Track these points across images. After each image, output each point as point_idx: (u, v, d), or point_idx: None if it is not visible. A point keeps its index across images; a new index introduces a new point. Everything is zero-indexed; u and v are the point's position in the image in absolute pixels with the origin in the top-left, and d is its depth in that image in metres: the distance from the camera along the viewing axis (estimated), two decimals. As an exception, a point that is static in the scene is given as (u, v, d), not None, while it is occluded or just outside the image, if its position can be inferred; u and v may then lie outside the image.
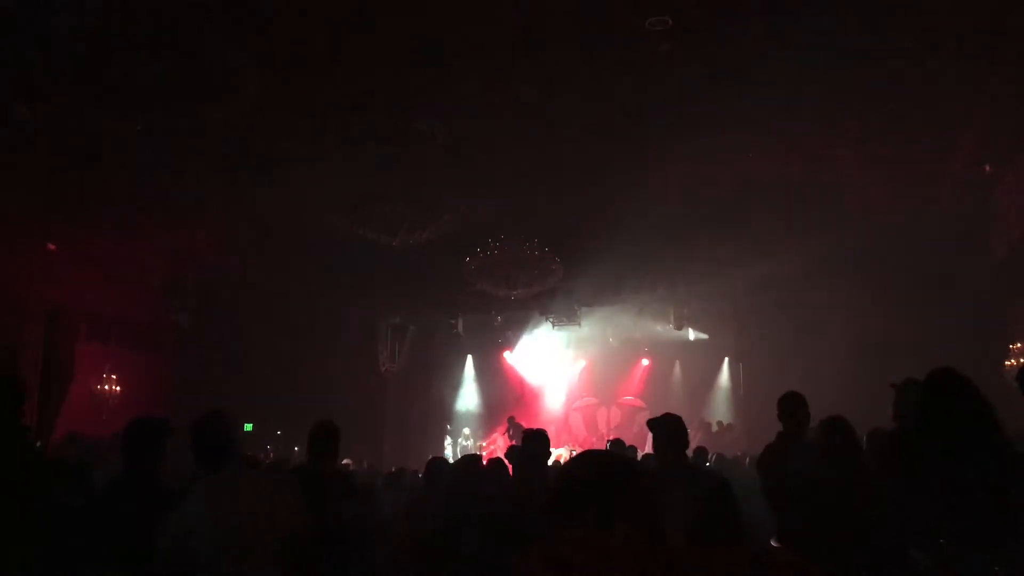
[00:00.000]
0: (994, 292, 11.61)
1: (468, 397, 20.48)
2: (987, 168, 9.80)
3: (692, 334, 19.15)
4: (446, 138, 9.21)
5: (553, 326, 17.81)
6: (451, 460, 6.66)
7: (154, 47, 7.07)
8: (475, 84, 8.23)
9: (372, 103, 8.59)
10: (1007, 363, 11.14)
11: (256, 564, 3.08)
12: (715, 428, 17.15)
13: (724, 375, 18.76)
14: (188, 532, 3.07)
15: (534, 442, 5.01)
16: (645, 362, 20.04)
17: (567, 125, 9.05)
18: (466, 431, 19.08)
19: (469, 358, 20.60)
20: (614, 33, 7.32)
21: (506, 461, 5.91)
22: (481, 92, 8.37)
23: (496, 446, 17.37)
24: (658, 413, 4.38)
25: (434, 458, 6.02)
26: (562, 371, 20.82)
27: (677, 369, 19.83)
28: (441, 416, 19.45)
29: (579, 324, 17.33)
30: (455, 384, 20.23)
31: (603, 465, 1.88)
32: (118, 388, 15.55)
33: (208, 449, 3.36)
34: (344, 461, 13.11)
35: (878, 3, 6.88)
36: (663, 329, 18.36)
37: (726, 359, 18.65)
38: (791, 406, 4.70)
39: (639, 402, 20.08)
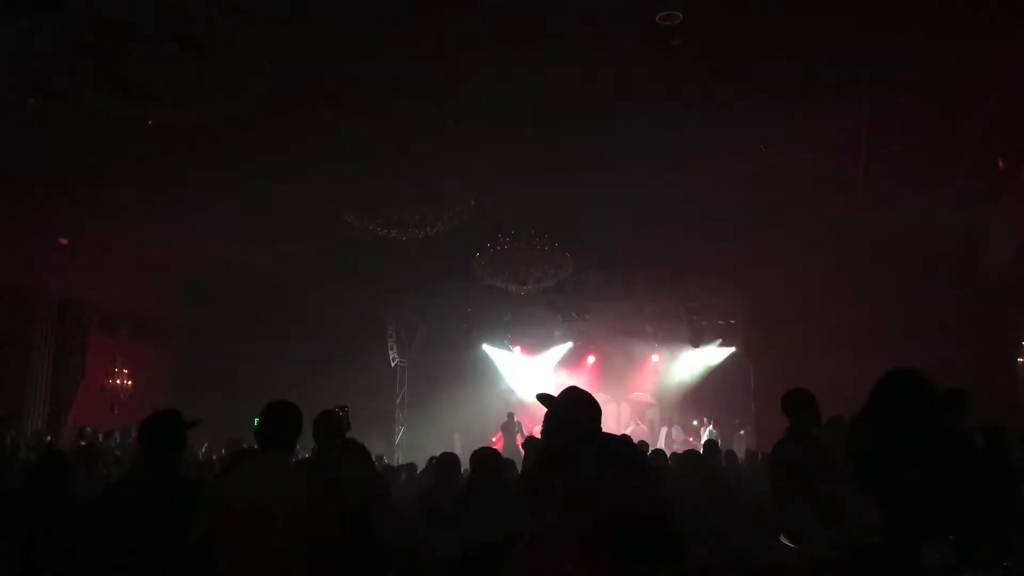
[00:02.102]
0: (1009, 287, 11.51)
1: (478, 391, 20.45)
2: (1000, 163, 9.71)
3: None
4: (456, 131, 9.20)
5: (563, 321, 17.77)
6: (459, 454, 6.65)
7: (165, 39, 7.08)
8: (485, 77, 8.22)
9: (382, 96, 8.59)
10: (1020, 359, 11.06)
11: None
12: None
13: (735, 371, 18.67)
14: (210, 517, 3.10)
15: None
16: (655, 358, 20.00)
17: (577, 119, 9.02)
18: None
19: (483, 350, 20.57)
20: (624, 27, 7.30)
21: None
22: (492, 84, 8.37)
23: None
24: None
25: (444, 454, 6.03)
26: (571, 366, 20.80)
27: (687, 364, 19.78)
28: (450, 411, 19.44)
29: (588, 319, 17.29)
30: (464, 378, 20.20)
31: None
32: (129, 383, 15.65)
33: (263, 433, 3.37)
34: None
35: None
36: (673, 324, 18.32)
37: (735, 352, 18.57)
38: (796, 403, 4.67)
39: (648, 398, 20.06)
